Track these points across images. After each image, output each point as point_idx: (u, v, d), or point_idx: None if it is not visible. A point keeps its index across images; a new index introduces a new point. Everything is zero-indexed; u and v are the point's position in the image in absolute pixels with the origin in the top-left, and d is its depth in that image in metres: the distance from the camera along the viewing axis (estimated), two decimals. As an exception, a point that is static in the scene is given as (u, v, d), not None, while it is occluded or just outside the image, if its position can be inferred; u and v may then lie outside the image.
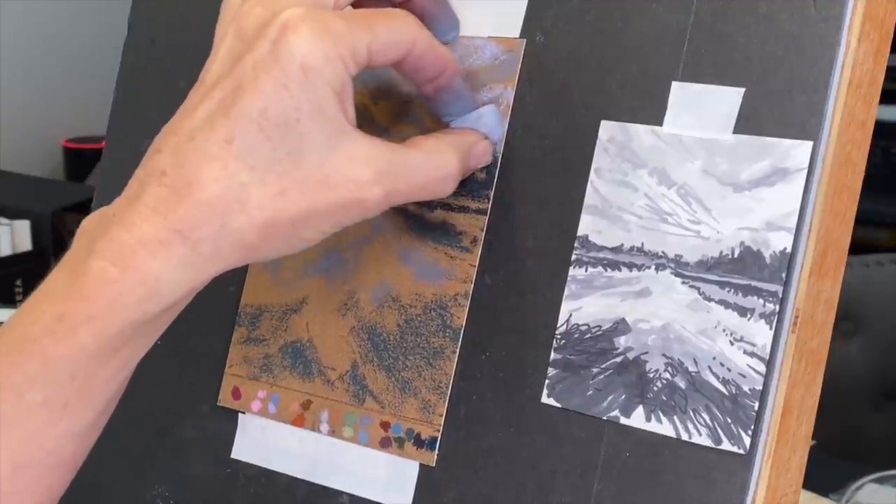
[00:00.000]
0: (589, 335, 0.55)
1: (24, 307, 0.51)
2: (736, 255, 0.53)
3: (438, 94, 0.56)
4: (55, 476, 0.52)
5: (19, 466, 0.50)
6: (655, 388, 0.54)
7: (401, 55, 0.53)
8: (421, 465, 0.59)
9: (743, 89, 0.53)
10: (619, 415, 0.54)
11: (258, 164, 0.49)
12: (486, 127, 0.58)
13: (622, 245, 0.55)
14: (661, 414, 0.53)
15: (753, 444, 0.51)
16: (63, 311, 0.49)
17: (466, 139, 0.56)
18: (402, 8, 0.55)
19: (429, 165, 0.54)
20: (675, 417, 0.53)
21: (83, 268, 0.49)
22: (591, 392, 0.55)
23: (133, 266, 0.49)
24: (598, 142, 0.56)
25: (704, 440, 0.52)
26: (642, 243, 0.55)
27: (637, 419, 0.54)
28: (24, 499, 0.51)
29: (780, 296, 0.52)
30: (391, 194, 0.52)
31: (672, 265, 0.54)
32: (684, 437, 0.53)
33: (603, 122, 0.56)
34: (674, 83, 0.55)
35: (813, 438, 0.54)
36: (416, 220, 0.60)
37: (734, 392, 0.52)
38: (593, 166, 0.56)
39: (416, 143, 0.54)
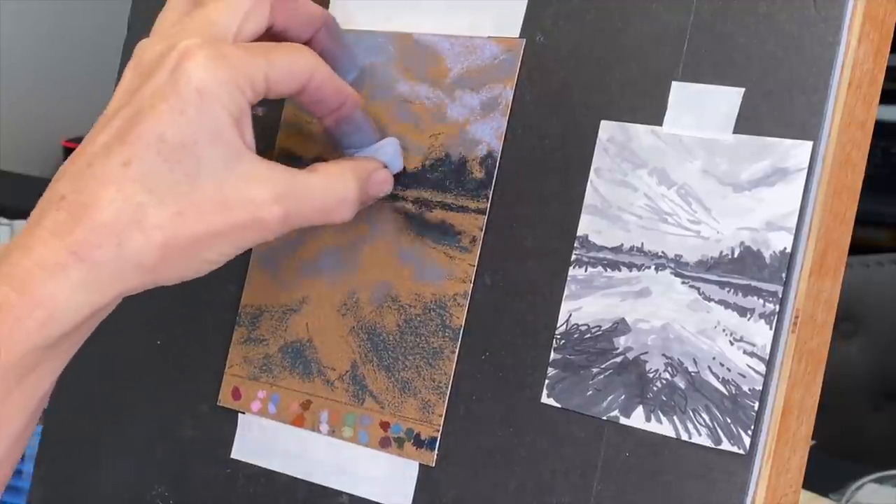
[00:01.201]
0: (589, 335, 0.55)
1: None
2: (736, 255, 0.53)
3: (339, 126, 0.57)
4: None
5: None
6: (655, 388, 0.54)
7: (299, 86, 0.54)
8: (421, 465, 0.59)
9: (743, 89, 0.53)
10: (618, 415, 0.54)
11: (156, 186, 0.50)
12: (385, 157, 0.59)
13: (622, 245, 0.55)
14: (660, 414, 0.53)
15: (753, 444, 0.51)
16: None
17: (365, 166, 0.57)
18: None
19: (327, 189, 0.55)
20: (674, 417, 0.53)
21: None
22: (590, 392, 0.55)
23: (31, 289, 0.49)
24: (598, 141, 0.56)
25: (704, 440, 0.52)
26: (642, 243, 0.55)
27: (637, 419, 0.54)
28: None
29: (780, 296, 0.52)
30: (290, 215, 0.53)
31: (672, 265, 0.54)
32: (684, 437, 0.53)
33: (603, 122, 0.56)
34: (674, 83, 0.55)
35: (813, 438, 0.54)
36: (416, 219, 0.60)
37: (734, 392, 0.52)
38: (593, 166, 0.56)
39: (315, 168, 0.55)
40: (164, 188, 0.50)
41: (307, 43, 0.57)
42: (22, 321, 0.49)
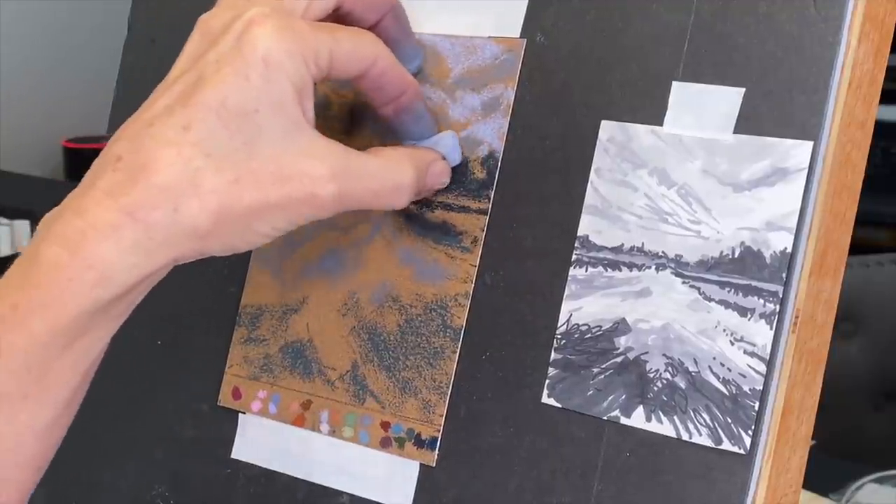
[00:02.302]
0: (589, 335, 0.55)
1: None
2: (736, 255, 0.53)
3: (398, 116, 0.57)
4: (19, 474, 0.51)
5: None
6: (655, 388, 0.54)
7: (362, 69, 0.53)
8: (421, 465, 0.59)
9: (743, 89, 0.53)
10: (619, 415, 0.54)
11: (214, 151, 0.49)
12: (445, 148, 0.58)
13: (622, 245, 0.55)
14: (661, 414, 0.53)
15: (753, 444, 0.51)
16: (16, 301, 0.49)
17: (425, 156, 0.57)
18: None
19: (385, 173, 0.54)
20: (675, 417, 0.53)
21: (35, 256, 0.49)
22: (591, 392, 0.55)
23: (83, 250, 0.48)
24: (598, 142, 0.56)
25: (705, 440, 0.52)
26: (642, 243, 0.55)
27: (637, 419, 0.54)
28: None
29: (781, 296, 0.52)
30: (344, 195, 0.52)
31: (672, 265, 0.54)
32: (684, 437, 0.53)
33: (603, 122, 0.56)
34: (674, 83, 0.55)
35: (813, 438, 0.54)
36: (417, 219, 0.60)
37: (734, 392, 0.52)
38: (593, 166, 0.56)
39: (375, 151, 0.55)
40: (222, 154, 0.49)
41: (372, 28, 0.56)
42: (73, 282, 0.48)
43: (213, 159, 0.49)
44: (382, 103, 0.56)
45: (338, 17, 0.55)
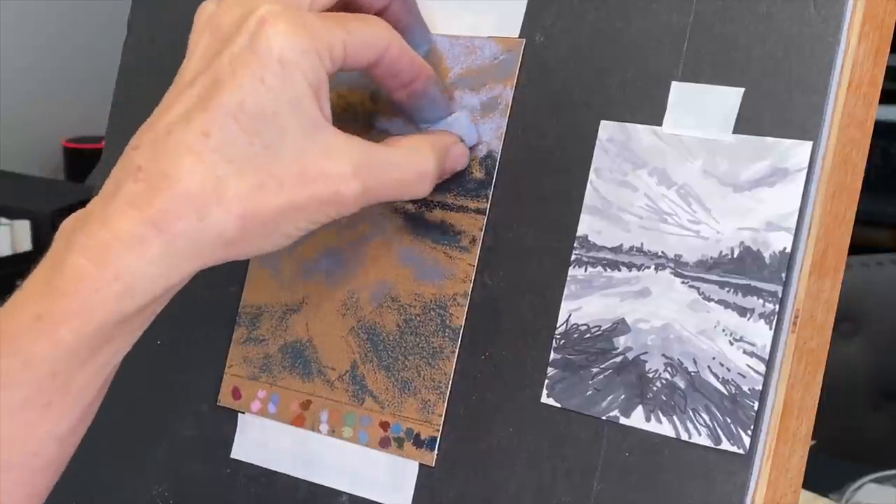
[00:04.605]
0: (588, 335, 0.55)
1: (4, 308, 0.51)
2: (736, 255, 0.53)
3: (412, 101, 0.56)
4: (38, 479, 0.52)
5: (1, 469, 0.50)
6: (655, 388, 0.54)
7: (376, 57, 0.53)
8: (420, 464, 0.59)
9: (743, 89, 0.53)
10: (618, 415, 0.54)
11: (236, 156, 0.49)
12: (461, 129, 0.58)
13: (622, 245, 0.55)
14: (660, 414, 0.53)
15: (753, 444, 0.51)
16: (41, 310, 0.49)
17: (444, 140, 0.57)
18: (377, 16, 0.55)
19: (407, 162, 0.54)
20: (674, 417, 0.53)
21: (60, 265, 0.49)
22: (590, 392, 0.55)
23: (109, 261, 0.48)
24: (597, 142, 0.56)
25: (704, 440, 0.52)
26: (642, 243, 0.55)
27: (637, 419, 0.54)
28: (7, 501, 0.50)
29: (780, 296, 0.52)
30: (369, 190, 0.52)
31: (672, 265, 0.54)
32: (684, 437, 0.53)
33: (603, 122, 0.56)
34: (674, 83, 0.55)
35: (813, 438, 0.54)
36: (416, 219, 0.60)
37: (734, 392, 0.52)
38: (593, 166, 0.56)
39: (394, 141, 0.55)
40: (243, 159, 0.49)
41: (380, 14, 0.56)
42: (99, 292, 0.48)
43: (235, 165, 0.49)
44: (396, 88, 0.56)
45: (345, 4, 0.55)
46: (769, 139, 0.53)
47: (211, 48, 0.51)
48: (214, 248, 0.50)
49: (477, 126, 0.59)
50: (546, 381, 0.56)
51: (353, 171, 0.51)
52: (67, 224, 0.51)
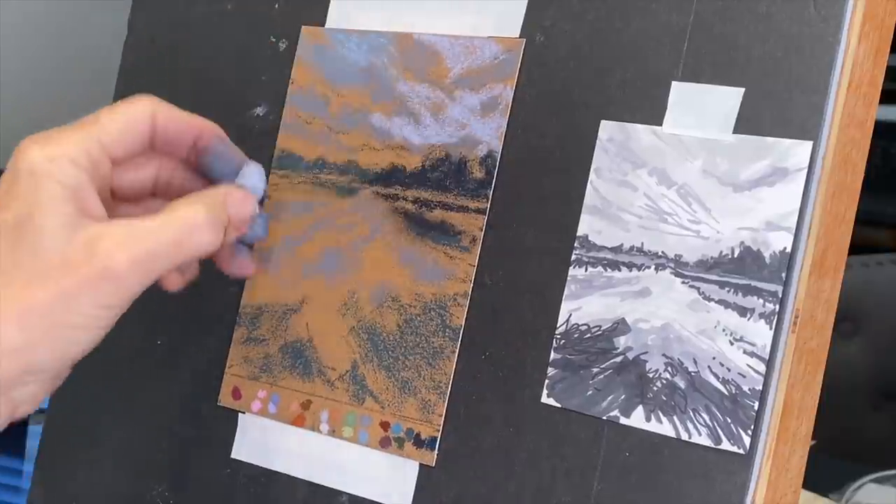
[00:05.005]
0: (589, 335, 0.55)
1: None
2: (736, 255, 0.53)
3: (202, 159, 0.57)
4: None
5: None
6: (655, 388, 0.54)
7: (143, 134, 0.55)
8: (421, 464, 0.59)
9: (743, 89, 0.53)
10: (618, 415, 0.54)
11: (3, 267, 0.51)
12: (248, 182, 0.58)
13: (622, 245, 0.55)
14: (660, 414, 0.53)
15: (753, 444, 0.51)
16: None
17: (216, 191, 0.57)
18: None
19: (173, 221, 0.54)
20: (674, 417, 0.53)
21: None
22: (590, 392, 0.55)
23: None
24: (597, 141, 0.56)
25: (704, 440, 0.52)
26: (642, 243, 0.55)
27: (637, 419, 0.54)
28: None
29: (780, 296, 0.52)
30: (139, 259, 0.52)
31: (672, 265, 0.54)
32: (684, 436, 0.53)
33: (603, 122, 0.56)
34: (674, 83, 0.55)
35: (813, 438, 0.54)
36: (416, 220, 0.60)
37: (734, 392, 0.52)
38: (593, 166, 0.56)
39: (162, 209, 0.55)
40: (10, 266, 0.51)
41: (195, 146, 0.57)
42: None
43: (3, 275, 0.51)
44: (184, 153, 0.57)
45: (150, 142, 0.56)
46: (769, 139, 0.53)
47: None
48: (8, 362, 0.51)
49: (264, 180, 0.58)
50: (546, 381, 0.56)
51: (117, 246, 0.52)
52: None
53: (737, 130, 0.53)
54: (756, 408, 0.51)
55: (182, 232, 0.54)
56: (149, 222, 0.54)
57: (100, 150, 0.53)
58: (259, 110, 0.66)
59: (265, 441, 0.63)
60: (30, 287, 0.51)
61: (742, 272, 0.52)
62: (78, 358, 0.53)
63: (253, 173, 0.58)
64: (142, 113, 0.55)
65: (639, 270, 0.55)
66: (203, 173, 0.58)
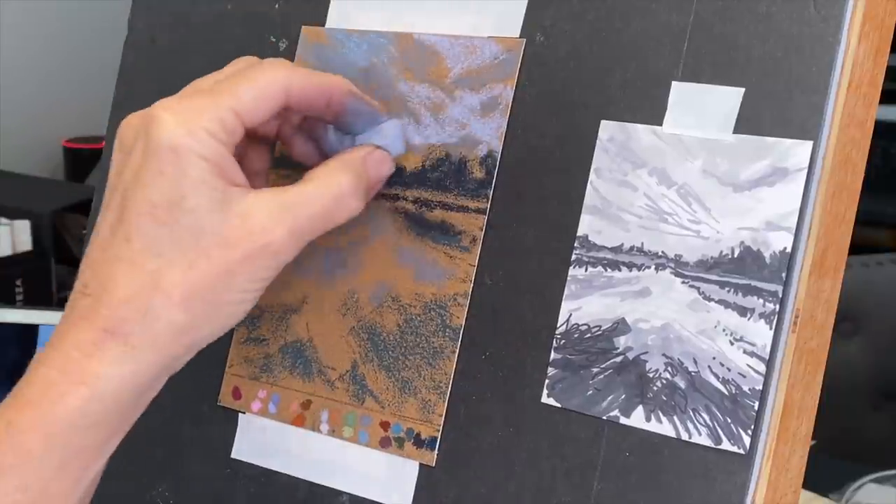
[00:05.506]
0: (589, 335, 0.55)
1: None
2: (736, 255, 0.53)
3: (339, 118, 0.58)
4: None
5: None
6: (655, 388, 0.54)
7: (278, 104, 0.55)
8: (421, 464, 0.59)
9: (743, 89, 0.53)
10: (618, 415, 0.54)
11: (162, 249, 0.52)
12: (385, 139, 0.59)
13: (622, 245, 0.55)
14: (660, 414, 0.53)
15: (753, 444, 0.51)
16: (10, 418, 0.51)
17: (355, 155, 0.58)
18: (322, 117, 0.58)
19: (321, 191, 0.55)
20: (674, 417, 0.53)
21: (28, 378, 0.52)
22: (590, 392, 0.55)
23: (72, 368, 0.51)
24: (598, 141, 0.56)
25: (704, 440, 0.52)
26: (642, 243, 0.55)
27: (637, 419, 0.54)
28: None
29: (780, 296, 0.52)
30: (295, 231, 0.54)
31: (672, 265, 0.54)
32: (684, 436, 0.53)
33: (603, 122, 0.56)
34: (674, 83, 0.55)
35: (813, 438, 0.54)
36: (416, 219, 0.60)
37: (734, 392, 0.52)
38: (593, 166, 0.56)
39: (307, 176, 0.56)
40: (169, 248, 0.52)
41: (327, 106, 0.57)
42: (66, 397, 0.51)
43: (163, 257, 0.52)
44: (318, 113, 0.57)
45: (286, 109, 0.56)
46: (769, 139, 0.53)
47: (118, 162, 0.54)
48: (171, 338, 0.52)
49: (406, 136, 0.60)
50: (546, 381, 0.56)
51: (272, 220, 0.53)
52: (38, 350, 0.53)
53: (737, 130, 0.53)
54: (756, 408, 0.51)
55: (332, 201, 0.55)
56: (298, 193, 0.54)
57: (234, 119, 0.53)
58: None
59: (265, 441, 0.63)
60: (193, 269, 0.52)
61: (742, 272, 0.52)
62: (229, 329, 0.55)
63: (390, 130, 0.59)
64: (277, 82, 0.55)
65: (639, 270, 0.55)
66: (341, 128, 0.58)
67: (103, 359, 0.51)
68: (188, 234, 0.52)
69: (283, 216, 0.53)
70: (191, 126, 0.52)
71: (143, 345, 0.52)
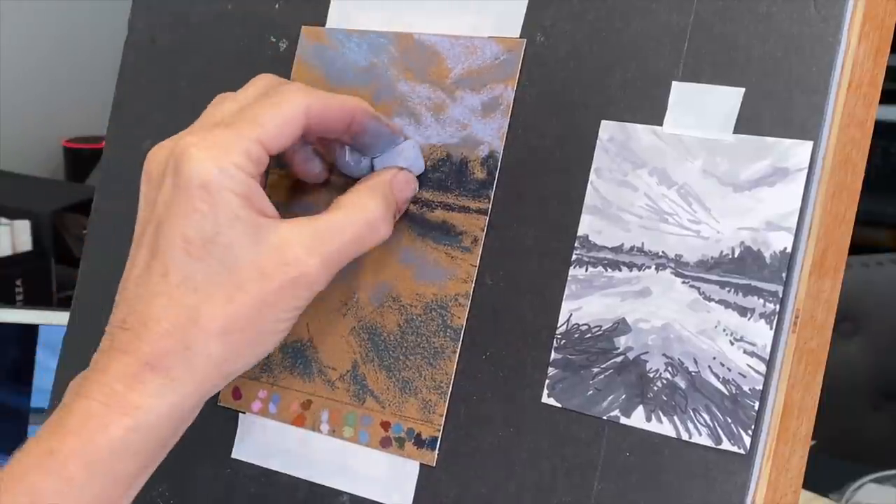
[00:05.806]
0: (589, 335, 0.55)
1: (18, 450, 0.53)
2: (736, 255, 0.53)
3: (358, 140, 0.58)
4: None
5: None
6: (655, 388, 0.54)
7: (300, 128, 0.55)
8: (421, 464, 0.59)
9: (743, 89, 0.53)
10: (619, 415, 0.54)
11: (199, 284, 0.53)
12: (406, 161, 0.59)
13: (622, 245, 0.55)
14: (661, 414, 0.53)
15: (753, 444, 0.51)
16: (52, 446, 0.52)
17: (382, 179, 0.58)
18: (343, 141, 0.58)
19: (352, 219, 0.56)
20: (675, 417, 0.53)
21: (70, 409, 0.53)
22: (591, 392, 0.55)
23: (115, 400, 0.52)
24: (598, 141, 0.56)
25: (704, 440, 0.52)
26: (642, 243, 0.55)
27: (637, 419, 0.54)
28: None
29: (780, 296, 0.52)
30: (328, 260, 0.54)
31: (672, 265, 0.54)
32: (684, 436, 0.53)
33: (603, 122, 0.56)
34: (674, 83, 0.55)
35: (813, 438, 0.54)
36: (417, 220, 0.60)
37: (734, 392, 0.52)
38: (593, 166, 0.56)
39: (336, 204, 0.57)
40: (206, 283, 0.53)
41: (347, 129, 0.58)
42: (108, 428, 0.52)
43: (200, 292, 0.53)
44: (337, 135, 0.58)
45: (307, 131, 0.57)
46: (769, 139, 0.53)
47: (149, 196, 0.55)
48: (210, 370, 0.53)
49: (421, 156, 0.60)
50: (547, 381, 0.56)
51: (306, 250, 0.54)
52: (73, 381, 0.54)
53: (737, 130, 0.53)
54: (756, 408, 0.51)
55: (363, 227, 0.56)
56: (330, 221, 0.55)
57: (259, 149, 0.54)
58: None
59: (265, 441, 0.63)
60: (231, 303, 0.53)
61: (742, 272, 0.52)
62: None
63: (409, 150, 0.59)
64: (299, 108, 0.55)
65: (639, 270, 0.55)
66: (359, 149, 0.59)
67: (145, 391, 0.52)
68: (224, 269, 0.53)
69: (316, 246, 0.54)
70: (221, 162, 0.53)
71: (184, 377, 0.53)
